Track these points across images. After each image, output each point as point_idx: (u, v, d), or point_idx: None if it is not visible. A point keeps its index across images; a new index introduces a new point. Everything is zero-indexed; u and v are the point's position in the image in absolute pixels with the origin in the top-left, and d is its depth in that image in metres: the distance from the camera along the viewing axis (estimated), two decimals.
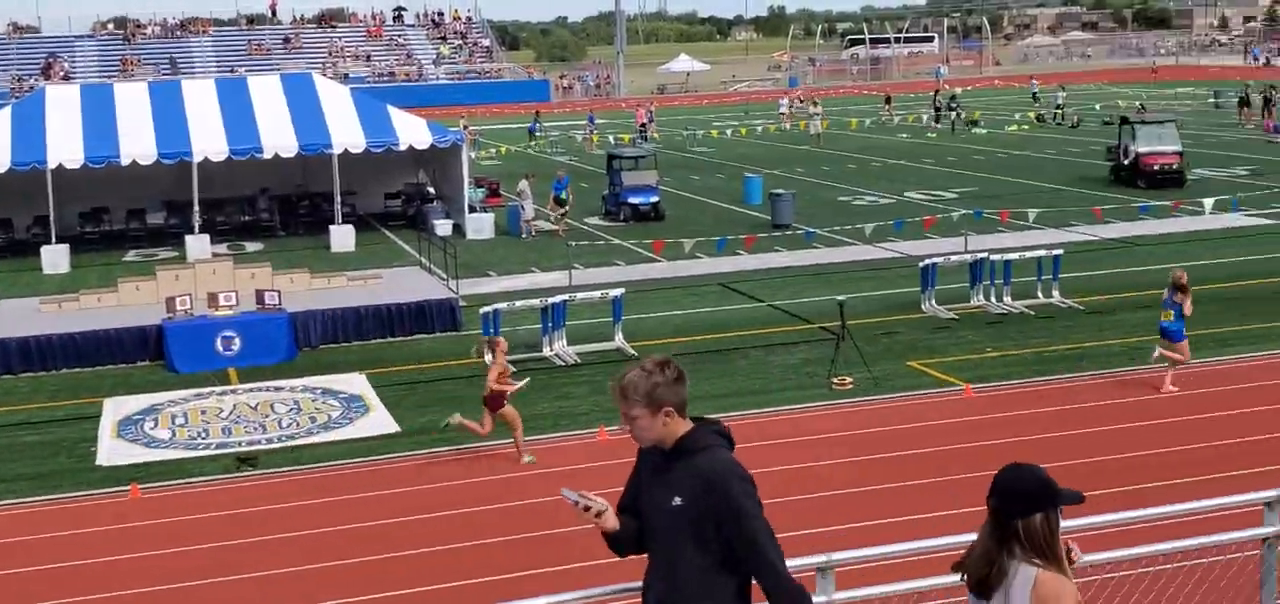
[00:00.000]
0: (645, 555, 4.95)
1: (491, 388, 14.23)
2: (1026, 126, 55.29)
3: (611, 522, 4.83)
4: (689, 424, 4.82)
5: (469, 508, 13.29)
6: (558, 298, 20.03)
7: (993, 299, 21.41)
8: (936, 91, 63.75)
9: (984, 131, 53.92)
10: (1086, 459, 13.49)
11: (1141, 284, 22.50)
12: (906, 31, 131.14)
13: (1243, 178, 36.22)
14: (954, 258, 22.61)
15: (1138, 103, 58.00)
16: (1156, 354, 16.53)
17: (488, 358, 14.66)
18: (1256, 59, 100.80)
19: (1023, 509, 4.35)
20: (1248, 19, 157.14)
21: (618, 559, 5.08)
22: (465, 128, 39.78)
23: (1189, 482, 12.32)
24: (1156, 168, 34.62)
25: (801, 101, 64.99)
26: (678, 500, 4.72)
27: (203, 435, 16.28)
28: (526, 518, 12.70)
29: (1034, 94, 65.67)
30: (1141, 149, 35.06)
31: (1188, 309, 16.03)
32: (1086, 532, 5.96)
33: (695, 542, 4.71)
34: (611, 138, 49.96)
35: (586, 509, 4.77)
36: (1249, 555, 6.66)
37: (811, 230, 28.43)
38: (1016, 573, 4.34)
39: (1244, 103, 54.17)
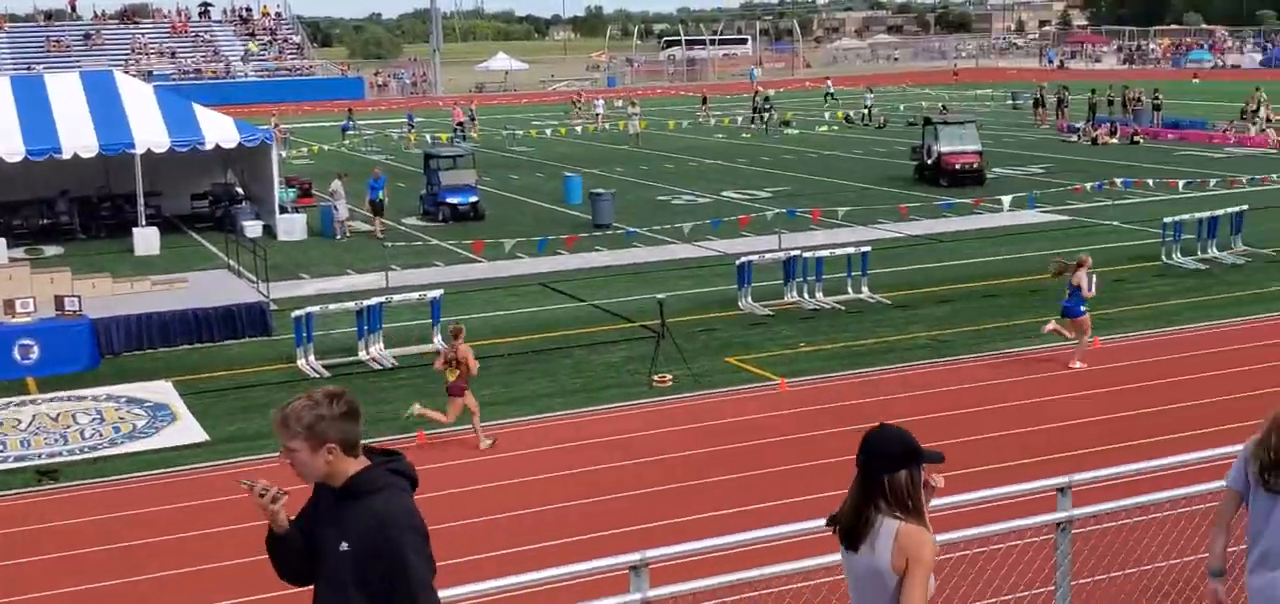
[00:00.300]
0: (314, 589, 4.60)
1: (473, 367, 14.69)
2: (836, 127, 56.87)
3: (283, 519, 4.45)
4: (362, 462, 4.47)
5: None
6: (374, 300, 19.72)
7: (805, 295, 21.94)
8: (756, 92, 64.98)
9: (796, 132, 55.24)
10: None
11: (946, 279, 23.36)
12: (721, 33, 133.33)
13: (1039, 175, 37.94)
14: (768, 256, 23.08)
15: (940, 104, 60.27)
16: (1049, 327, 17.36)
17: (460, 347, 14.74)
18: (1051, 61, 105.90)
19: (888, 466, 4.72)
20: (1043, 23, 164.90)
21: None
22: (276, 126, 38.81)
23: (988, 469, 12.83)
24: (958, 167, 36.01)
25: (578, 100, 66.02)
26: (345, 545, 4.39)
27: (0, 448, 15.50)
28: None
29: (828, 94, 67.46)
30: (944, 149, 36.41)
31: (1087, 290, 16.94)
32: None
33: (360, 588, 4.38)
34: (428, 137, 49.43)
35: (262, 494, 4.35)
36: (1045, 539, 6.96)
37: (631, 230, 28.65)
38: (882, 525, 4.71)
39: (1039, 103, 56.78)
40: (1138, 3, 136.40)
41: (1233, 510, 6.24)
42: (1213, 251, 24.52)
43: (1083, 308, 17.12)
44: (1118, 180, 32.74)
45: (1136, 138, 46.49)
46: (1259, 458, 6.01)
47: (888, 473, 4.72)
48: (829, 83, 72.24)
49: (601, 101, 64.50)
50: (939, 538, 6.34)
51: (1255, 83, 56.64)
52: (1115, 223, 28.94)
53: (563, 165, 42.27)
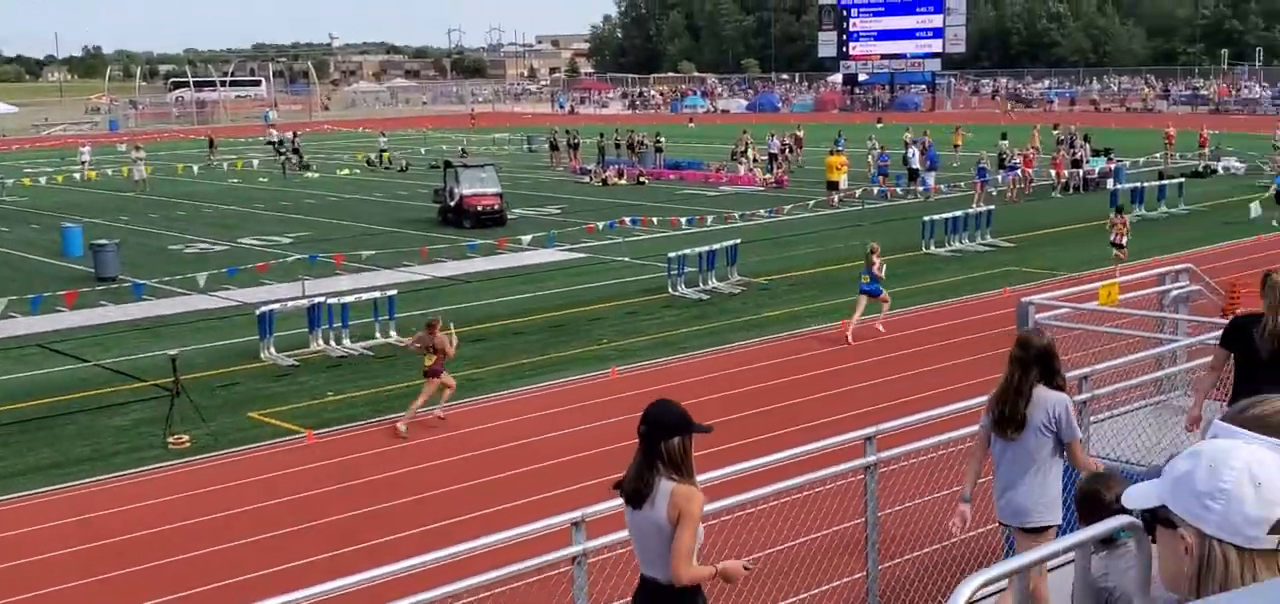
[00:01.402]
0: None
1: (450, 352, 16.76)
2: (357, 170, 56.41)
3: None
4: None
5: None
6: None
7: (332, 342, 21.53)
8: (294, 134, 62.85)
9: (316, 175, 54.25)
10: (384, 504, 13.96)
11: (474, 318, 23.72)
12: (232, 74, 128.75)
13: (556, 215, 39.42)
14: (291, 303, 22.47)
15: (460, 147, 61.31)
16: (851, 329, 20.70)
17: (441, 337, 16.66)
18: (562, 106, 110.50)
19: (666, 434, 5.72)
20: (553, 70, 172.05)
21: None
22: None
23: (501, 509, 13.12)
24: (480, 208, 36.77)
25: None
26: None
27: None
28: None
29: (272, 142, 64.21)
30: (465, 191, 37.07)
31: (880, 272, 21.06)
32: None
33: None
34: None
35: None
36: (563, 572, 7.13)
37: (140, 282, 26.92)
38: (659, 486, 5.70)
39: (554, 146, 59.09)
40: (638, 52, 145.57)
41: (982, 450, 7.70)
42: (713, 282, 26.47)
43: (880, 289, 21.22)
44: (627, 219, 34.63)
45: (642, 179, 49.36)
46: (992, 412, 7.48)
47: (665, 440, 5.71)
48: (271, 116, 69.84)
49: (87, 147, 59.76)
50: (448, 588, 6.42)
51: (742, 126, 61.95)
52: (626, 259, 30.56)
53: (61, 215, 39.13)
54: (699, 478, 5.96)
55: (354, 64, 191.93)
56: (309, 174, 54.66)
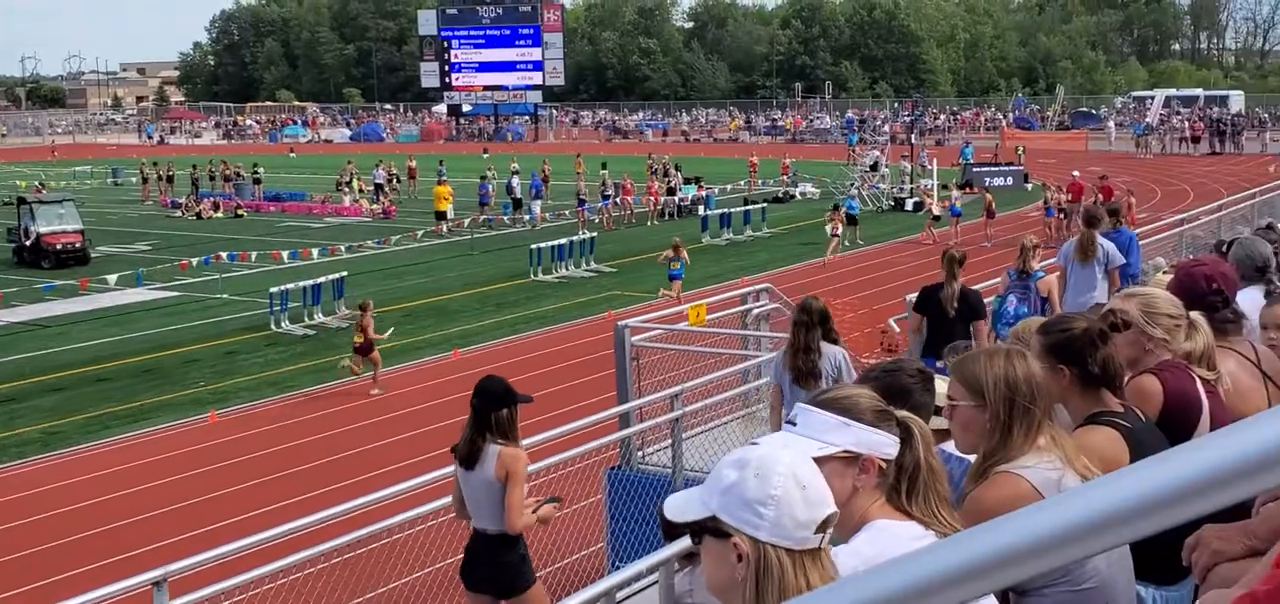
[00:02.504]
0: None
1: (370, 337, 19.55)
2: None
3: None
4: None
5: None
6: None
7: None
8: None
9: None
10: None
11: (54, 366, 22.02)
12: None
13: (146, 252, 37.25)
14: None
15: (37, 183, 56.79)
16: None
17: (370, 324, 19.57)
18: (150, 136, 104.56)
19: (495, 405, 6.84)
20: (140, 99, 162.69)
21: None
22: None
23: (82, 571, 12.31)
24: (60, 247, 34.30)
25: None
26: None
27: None
28: None
29: None
30: (42, 229, 34.49)
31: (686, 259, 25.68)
32: None
33: None
34: None
35: None
36: None
37: None
38: (488, 449, 6.80)
39: (145, 179, 55.57)
40: (232, 80, 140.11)
41: (779, 403, 8.67)
42: (319, 317, 25.84)
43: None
44: (224, 254, 33.16)
45: (240, 211, 47.59)
46: (789, 368, 8.56)
47: (494, 410, 6.82)
48: None
49: None
50: None
51: (346, 156, 60.91)
52: (225, 296, 29.30)
53: None
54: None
55: None
56: None
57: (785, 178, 51.44)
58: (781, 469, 2.27)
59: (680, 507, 2.36)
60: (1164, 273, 7.10)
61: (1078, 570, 3.03)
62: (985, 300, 11.35)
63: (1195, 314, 4.40)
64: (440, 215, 39.95)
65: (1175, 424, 3.96)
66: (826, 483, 2.34)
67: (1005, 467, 3.20)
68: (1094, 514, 1.17)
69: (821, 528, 2.28)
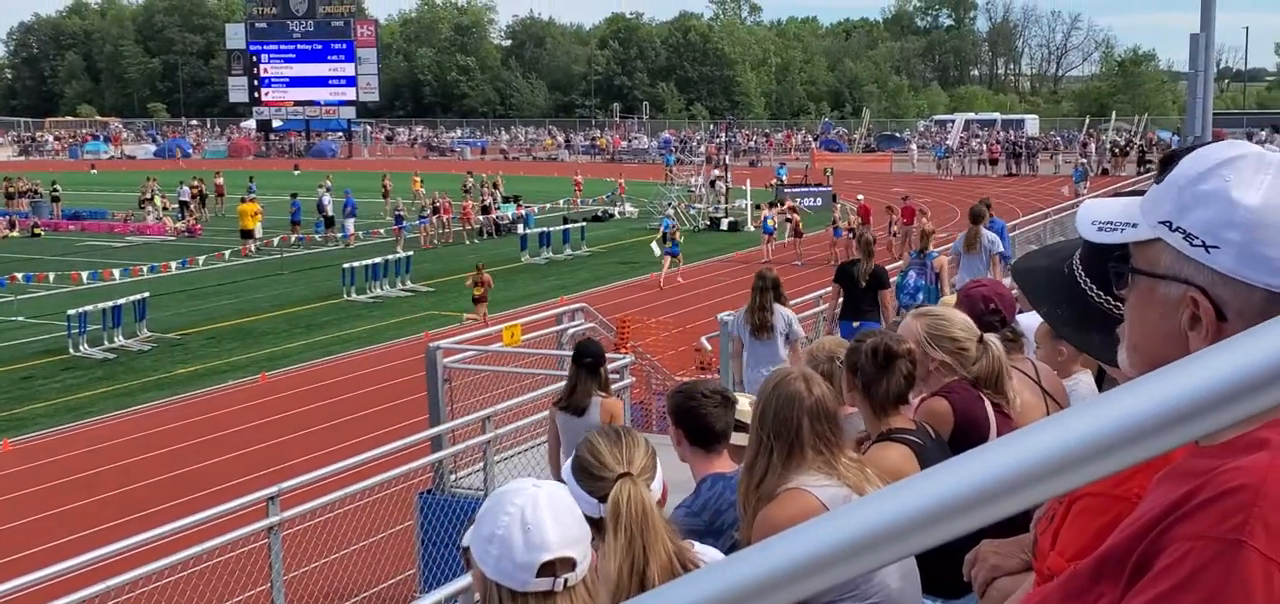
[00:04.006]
0: None
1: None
2: None
3: None
4: None
5: None
6: None
7: None
8: None
9: None
10: None
11: None
12: None
13: None
14: None
15: None
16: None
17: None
18: None
19: (602, 361, 8.18)
20: None
21: None
22: None
23: None
24: None
25: None
26: None
27: None
28: None
29: None
30: None
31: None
32: None
33: None
34: None
35: None
36: None
37: None
38: (594, 400, 7.94)
39: None
40: (30, 94, 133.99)
41: (739, 350, 10.60)
42: (120, 340, 24.83)
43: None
44: (19, 274, 31.59)
45: (37, 230, 45.47)
46: (748, 323, 10.38)
47: (602, 365, 8.12)
48: None
49: None
50: None
51: (149, 173, 58.75)
52: (21, 319, 27.91)
53: None
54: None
55: None
56: None
57: (621, 195, 51.72)
58: (511, 507, 2.34)
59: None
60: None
61: (865, 584, 3.11)
62: (892, 279, 13.65)
63: (990, 337, 4.56)
64: (247, 234, 38.86)
65: (966, 444, 4.09)
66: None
67: (794, 483, 3.25)
68: (867, 528, 1.17)
69: (545, 572, 2.29)
